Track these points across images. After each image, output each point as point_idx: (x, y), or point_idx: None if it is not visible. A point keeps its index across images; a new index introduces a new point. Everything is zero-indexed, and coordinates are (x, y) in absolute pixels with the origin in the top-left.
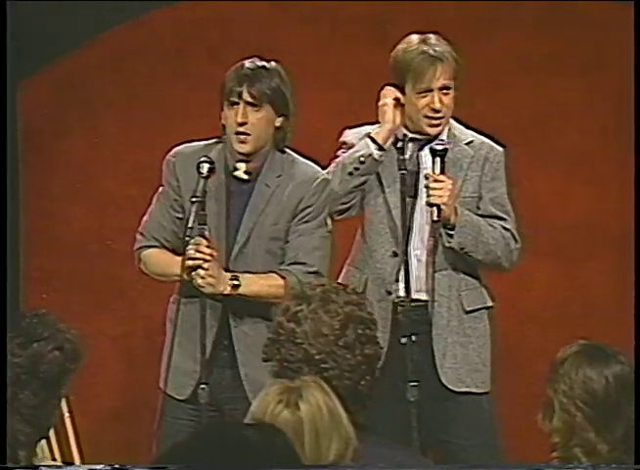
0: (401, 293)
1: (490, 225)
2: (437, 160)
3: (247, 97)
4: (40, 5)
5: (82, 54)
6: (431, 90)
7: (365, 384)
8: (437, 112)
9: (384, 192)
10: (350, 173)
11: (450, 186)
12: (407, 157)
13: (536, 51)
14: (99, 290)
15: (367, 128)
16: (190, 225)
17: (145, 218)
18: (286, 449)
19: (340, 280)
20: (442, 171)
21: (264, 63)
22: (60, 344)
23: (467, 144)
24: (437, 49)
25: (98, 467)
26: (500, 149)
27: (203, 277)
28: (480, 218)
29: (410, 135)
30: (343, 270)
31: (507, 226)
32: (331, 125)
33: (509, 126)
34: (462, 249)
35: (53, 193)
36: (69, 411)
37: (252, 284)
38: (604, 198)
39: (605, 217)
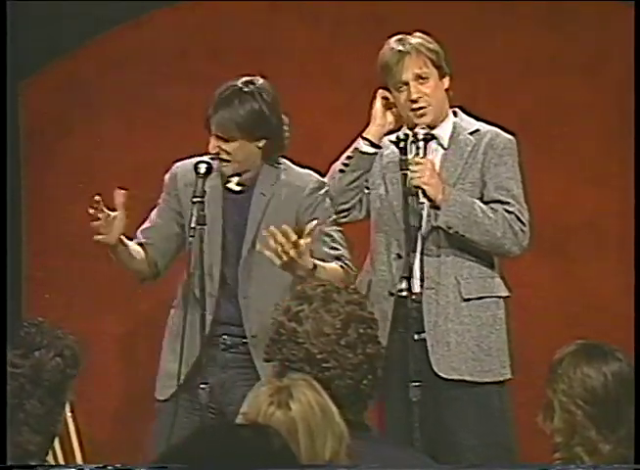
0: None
1: (491, 208)
2: (421, 144)
3: (215, 130)
4: (40, 5)
5: (82, 54)
6: (407, 83)
7: (367, 383)
8: (416, 102)
9: (387, 193)
10: (341, 171)
11: (430, 166)
12: (409, 156)
13: (537, 51)
14: (101, 290)
15: None
16: (192, 225)
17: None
18: (284, 451)
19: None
20: (424, 156)
21: (241, 85)
22: (60, 350)
23: (471, 133)
24: (409, 43)
25: (98, 467)
26: (508, 136)
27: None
28: (477, 200)
29: (411, 135)
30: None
31: (510, 209)
32: (331, 125)
33: (511, 126)
34: (449, 227)
35: (54, 193)
36: (71, 411)
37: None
38: (606, 198)
39: (607, 218)
